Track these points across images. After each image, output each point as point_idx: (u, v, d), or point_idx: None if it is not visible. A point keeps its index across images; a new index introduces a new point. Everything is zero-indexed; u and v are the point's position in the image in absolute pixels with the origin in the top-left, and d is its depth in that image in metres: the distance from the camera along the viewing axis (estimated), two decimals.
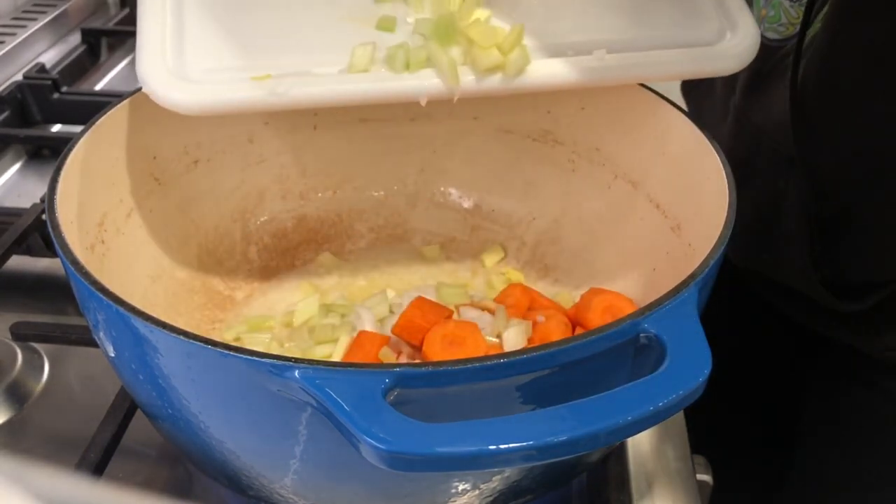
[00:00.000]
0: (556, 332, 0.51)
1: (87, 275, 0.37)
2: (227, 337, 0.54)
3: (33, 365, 0.55)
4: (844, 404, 0.70)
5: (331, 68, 0.46)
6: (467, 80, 0.47)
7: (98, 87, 0.94)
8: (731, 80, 0.67)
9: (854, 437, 0.70)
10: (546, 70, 0.47)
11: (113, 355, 0.39)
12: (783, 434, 0.77)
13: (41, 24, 0.97)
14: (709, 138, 0.48)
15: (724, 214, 0.41)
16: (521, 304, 0.54)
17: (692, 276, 0.37)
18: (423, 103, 0.47)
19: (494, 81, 0.47)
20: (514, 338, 0.50)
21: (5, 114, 0.80)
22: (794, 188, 0.61)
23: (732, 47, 0.49)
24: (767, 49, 0.61)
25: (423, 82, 0.46)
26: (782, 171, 0.61)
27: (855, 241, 0.61)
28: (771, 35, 0.61)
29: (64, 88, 0.84)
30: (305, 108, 0.47)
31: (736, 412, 0.79)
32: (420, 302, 0.51)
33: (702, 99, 0.73)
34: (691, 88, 0.76)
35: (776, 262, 0.66)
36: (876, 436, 0.68)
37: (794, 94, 0.57)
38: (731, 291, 0.71)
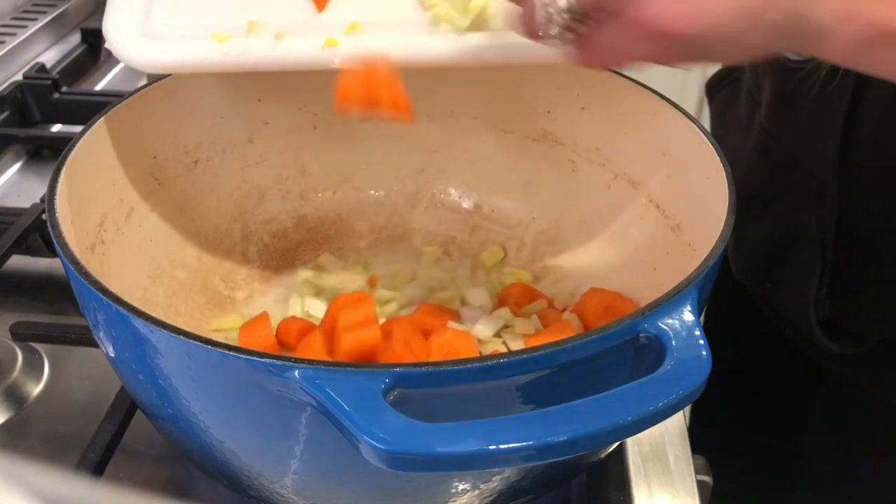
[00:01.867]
0: (559, 331, 0.51)
1: (87, 275, 0.37)
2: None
3: (33, 365, 0.55)
4: (849, 412, 0.70)
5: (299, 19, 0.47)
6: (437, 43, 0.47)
7: (98, 87, 0.94)
8: (755, 88, 0.65)
9: (858, 442, 0.69)
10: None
11: (113, 355, 0.39)
12: (785, 436, 0.76)
13: (41, 24, 0.97)
14: (709, 138, 0.47)
15: (724, 214, 0.41)
16: (522, 303, 0.54)
17: (692, 276, 0.37)
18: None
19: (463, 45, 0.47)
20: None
21: (5, 114, 0.80)
22: (817, 225, 0.58)
23: None
24: (786, 69, 0.58)
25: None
26: (809, 205, 0.58)
27: (867, 291, 0.59)
28: (790, 55, 0.57)
29: (64, 88, 0.84)
30: (264, 71, 0.48)
31: (738, 415, 0.79)
32: (427, 308, 0.51)
33: (727, 101, 0.71)
34: (716, 91, 0.73)
35: (778, 292, 0.64)
36: (879, 442, 0.68)
37: (846, 134, 0.54)
38: (735, 296, 0.71)
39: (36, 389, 0.54)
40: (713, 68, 0.73)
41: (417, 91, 0.61)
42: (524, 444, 0.30)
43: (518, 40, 0.41)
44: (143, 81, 0.49)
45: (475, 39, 0.47)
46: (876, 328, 0.59)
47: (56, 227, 0.40)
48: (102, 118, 0.48)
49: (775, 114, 0.61)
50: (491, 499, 0.40)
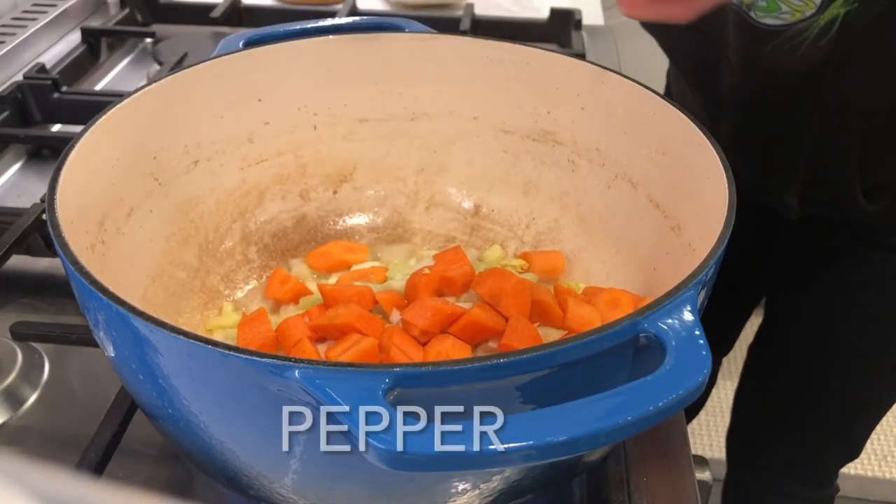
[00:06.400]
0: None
1: (87, 275, 0.37)
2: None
3: (33, 365, 0.55)
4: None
5: None
6: None
7: (98, 87, 0.94)
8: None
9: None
10: None
11: (113, 355, 0.39)
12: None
13: (41, 24, 0.97)
14: (708, 138, 0.47)
15: (724, 214, 0.41)
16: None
17: (692, 276, 0.37)
18: None
19: None
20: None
21: (5, 114, 0.80)
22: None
23: None
24: (762, 32, 0.62)
25: None
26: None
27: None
28: (770, 21, 0.61)
29: (64, 88, 0.84)
30: None
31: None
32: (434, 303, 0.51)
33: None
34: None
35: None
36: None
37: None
38: None
39: (36, 389, 0.54)
40: None
41: (417, 91, 0.61)
42: (524, 444, 0.30)
43: None
44: (143, 81, 0.49)
45: None
46: None
47: (56, 227, 0.40)
48: (102, 118, 0.48)
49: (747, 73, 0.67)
50: (491, 499, 0.40)
